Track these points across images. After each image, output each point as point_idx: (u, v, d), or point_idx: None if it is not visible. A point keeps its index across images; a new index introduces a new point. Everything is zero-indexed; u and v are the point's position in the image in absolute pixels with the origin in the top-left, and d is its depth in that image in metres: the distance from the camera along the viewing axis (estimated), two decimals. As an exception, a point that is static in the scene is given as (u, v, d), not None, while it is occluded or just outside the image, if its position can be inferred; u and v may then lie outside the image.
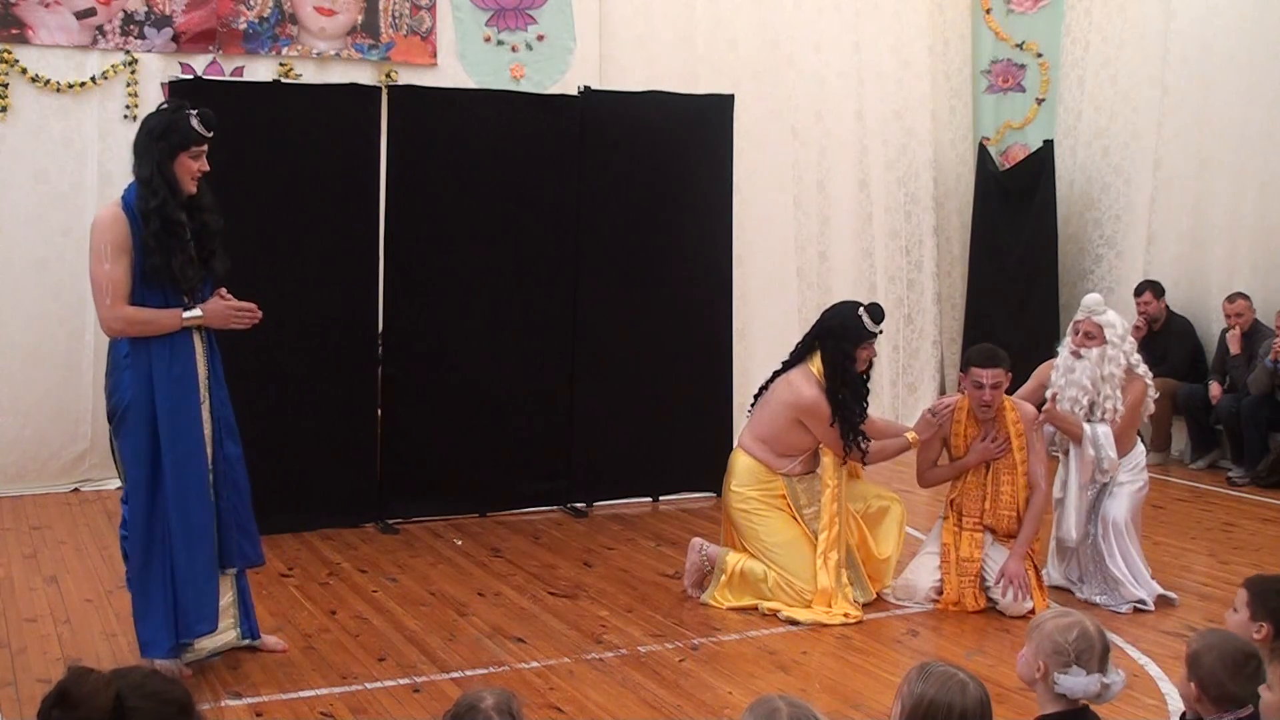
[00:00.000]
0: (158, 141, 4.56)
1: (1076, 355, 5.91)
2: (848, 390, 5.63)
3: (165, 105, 4.66)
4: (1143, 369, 5.94)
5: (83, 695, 2.29)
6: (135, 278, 4.56)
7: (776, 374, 5.87)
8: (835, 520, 5.67)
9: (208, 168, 4.66)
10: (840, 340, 5.64)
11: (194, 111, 4.60)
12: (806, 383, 5.67)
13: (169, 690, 2.41)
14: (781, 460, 5.75)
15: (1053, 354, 6.15)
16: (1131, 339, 5.98)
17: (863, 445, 5.69)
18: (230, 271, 4.82)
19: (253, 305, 4.78)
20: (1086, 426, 5.85)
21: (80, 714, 2.28)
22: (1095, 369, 5.86)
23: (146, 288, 4.58)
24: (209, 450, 4.72)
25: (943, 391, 10.11)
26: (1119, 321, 5.91)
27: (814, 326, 5.85)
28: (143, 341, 4.59)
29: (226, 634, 4.85)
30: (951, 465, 5.90)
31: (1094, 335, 5.88)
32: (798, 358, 5.81)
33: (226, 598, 4.84)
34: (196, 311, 4.66)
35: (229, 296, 4.75)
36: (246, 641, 4.93)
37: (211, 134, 4.63)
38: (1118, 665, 3.21)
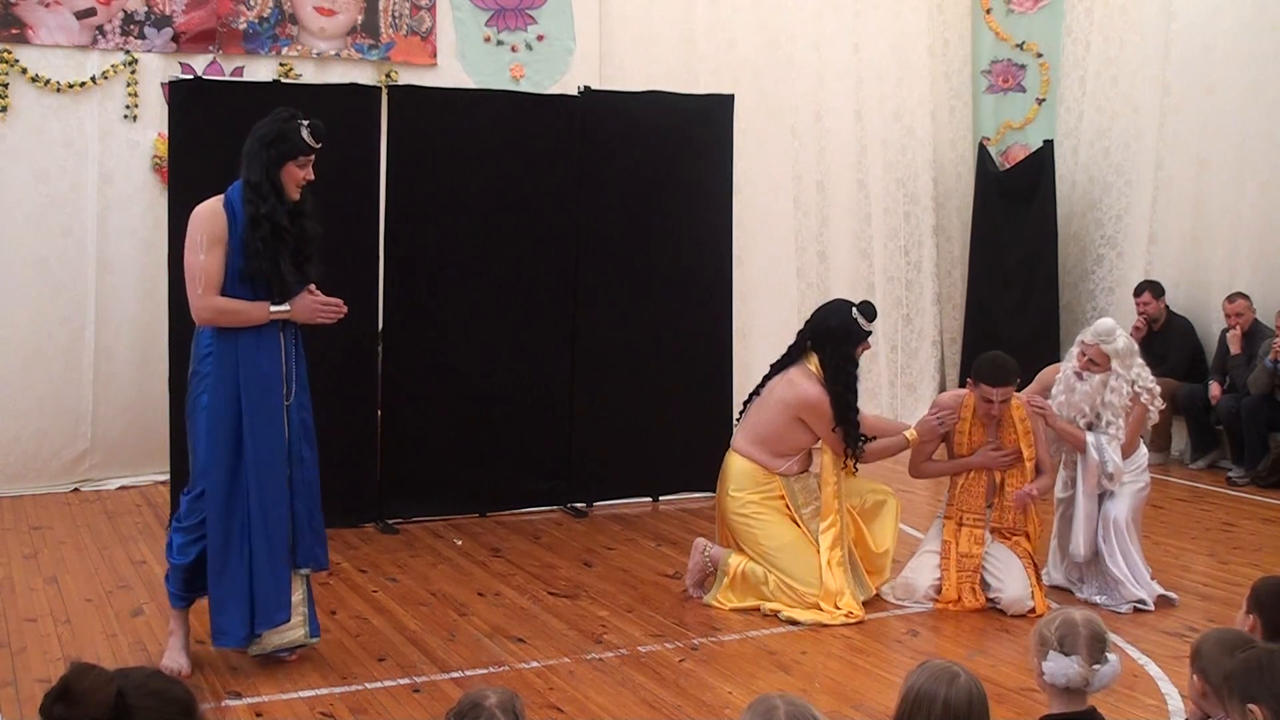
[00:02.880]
0: (268, 148, 4.66)
1: (1079, 376, 5.90)
2: (850, 393, 5.65)
3: (279, 113, 4.75)
4: (1146, 396, 5.87)
5: (84, 691, 2.30)
6: (229, 272, 4.66)
7: (767, 377, 5.87)
8: (838, 519, 5.67)
9: (313, 176, 4.76)
10: (840, 344, 5.65)
11: (305, 122, 4.70)
12: (808, 380, 5.68)
13: (171, 690, 2.42)
14: (778, 460, 5.74)
15: (1055, 356, 6.13)
16: (1141, 361, 5.94)
17: (862, 447, 5.71)
18: (324, 275, 4.89)
19: (339, 300, 4.85)
20: (1089, 435, 5.84)
21: (81, 710, 2.29)
22: (1095, 395, 5.85)
23: (240, 285, 4.67)
24: (286, 448, 4.79)
25: (942, 390, 10.10)
26: (1125, 350, 5.84)
27: (806, 328, 5.84)
28: (230, 335, 4.69)
29: (295, 631, 4.89)
30: (952, 462, 5.90)
31: (1099, 363, 5.85)
32: (791, 359, 5.81)
33: (298, 595, 4.88)
34: (284, 306, 4.74)
35: (317, 292, 4.84)
36: (313, 641, 4.96)
37: (320, 145, 4.73)
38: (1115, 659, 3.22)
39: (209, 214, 4.69)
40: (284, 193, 4.69)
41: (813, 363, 5.72)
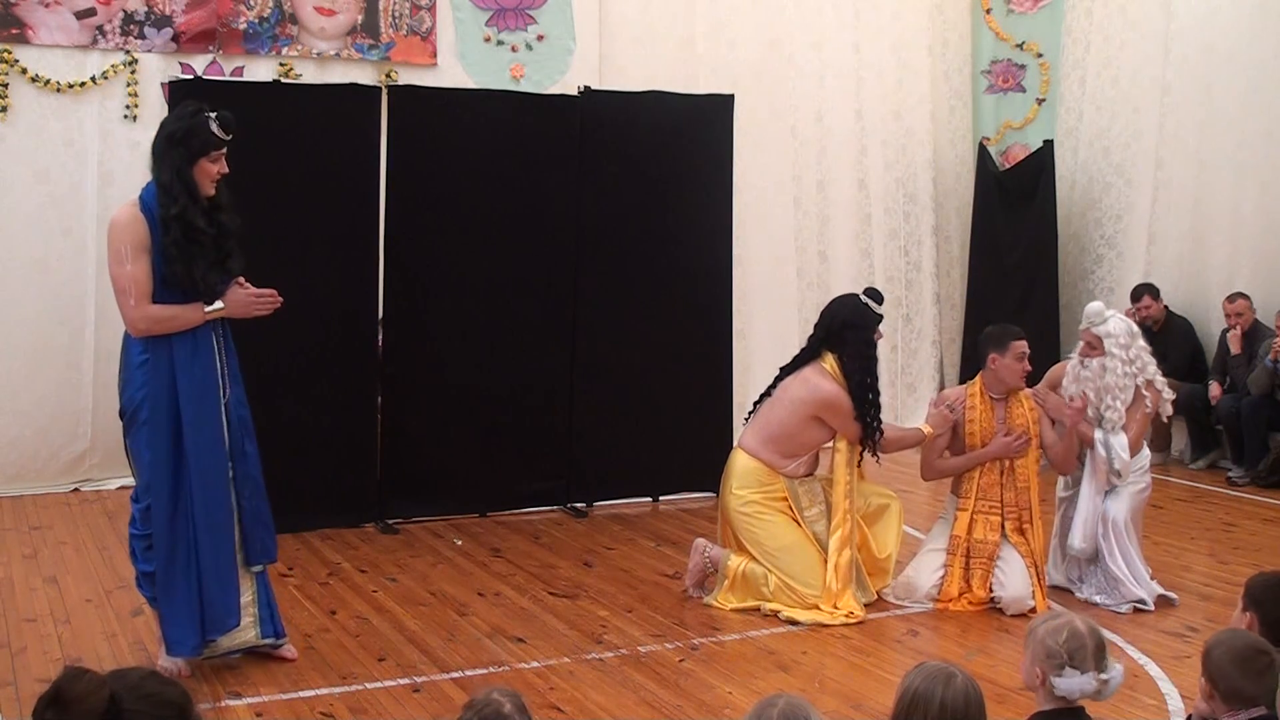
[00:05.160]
0: (177, 146, 4.56)
1: (1082, 364, 5.94)
2: (871, 377, 5.69)
3: (185, 108, 4.66)
4: (1147, 389, 5.86)
5: (76, 696, 2.29)
6: (155, 280, 4.58)
7: (778, 378, 5.87)
8: (848, 518, 5.68)
9: (227, 170, 4.67)
10: (859, 330, 5.69)
11: (213, 114, 4.60)
12: (823, 378, 5.69)
13: (165, 692, 2.41)
14: (785, 461, 5.74)
15: (1055, 356, 6.16)
16: (1141, 344, 5.94)
17: (880, 435, 5.72)
18: (246, 270, 4.82)
19: (272, 291, 4.78)
20: (1098, 432, 5.85)
21: (74, 715, 2.28)
22: (1096, 380, 5.87)
23: (167, 290, 4.60)
24: (227, 447, 4.73)
25: (942, 390, 10.09)
26: (1121, 331, 5.87)
27: (819, 328, 5.84)
28: (162, 340, 4.61)
29: (246, 633, 4.84)
30: (966, 457, 5.88)
31: (1095, 346, 5.88)
32: (805, 359, 5.81)
33: (246, 595, 4.84)
34: (219, 304, 4.67)
35: (247, 285, 4.77)
36: (268, 641, 4.91)
37: (231, 136, 4.63)
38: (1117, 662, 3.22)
39: (128, 222, 4.57)
40: (196, 191, 4.58)
41: (828, 362, 5.72)
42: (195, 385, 4.63)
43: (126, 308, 4.58)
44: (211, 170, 4.61)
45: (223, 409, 4.72)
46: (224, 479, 4.71)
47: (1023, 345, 5.82)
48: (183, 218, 4.53)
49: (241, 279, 4.75)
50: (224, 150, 4.63)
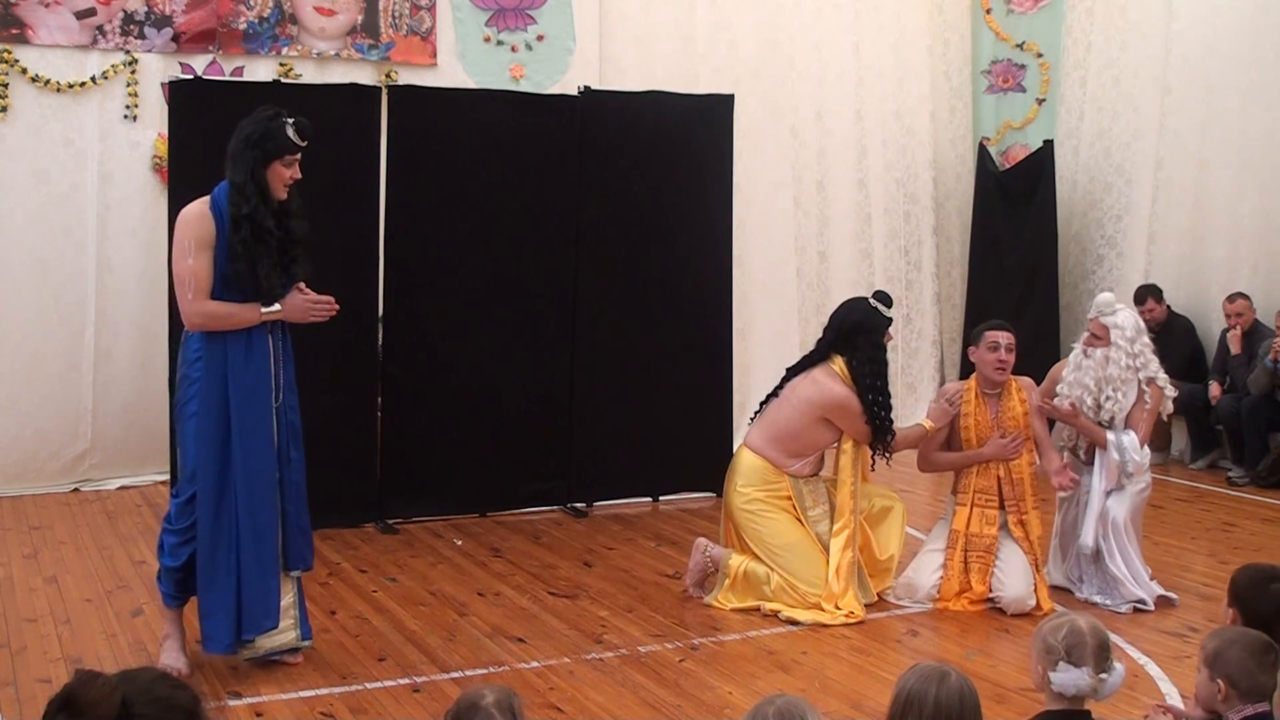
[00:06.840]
0: (253, 148, 4.62)
1: (1085, 354, 5.93)
2: (882, 381, 5.69)
3: (263, 111, 4.71)
4: (1149, 387, 5.87)
5: (89, 700, 2.28)
6: (216, 278, 4.62)
7: (786, 378, 5.86)
8: (852, 519, 5.68)
9: (300, 175, 4.72)
10: (869, 334, 5.70)
11: (290, 120, 4.66)
12: (833, 380, 5.69)
13: (176, 696, 2.41)
14: (790, 460, 5.74)
15: (1055, 356, 6.15)
16: (1146, 340, 5.95)
17: (891, 439, 5.73)
18: (312, 276, 4.85)
19: (330, 298, 4.82)
20: (1110, 433, 5.85)
21: (85, 719, 2.28)
22: (1098, 370, 5.87)
23: (226, 289, 4.63)
24: (275, 451, 4.76)
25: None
26: (1129, 324, 5.88)
27: (829, 331, 5.84)
28: (217, 339, 4.65)
29: (287, 634, 4.86)
30: (963, 454, 5.89)
31: (1100, 336, 5.88)
32: (813, 361, 5.81)
33: (288, 598, 4.85)
34: (275, 306, 4.70)
35: (308, 291, 4.80)
36: (306, 643, 4.95)
37: (306, 143, 4.69)
38: (1119, 664, 3.23)
39: (196, 217, 4.64)
40: (269, 193, 4.64)
41: (837, 364, 5.72)
42: (247, 386, 4.67)
43: (184, 300, 4.64)
44: (285, 174, 4.66)
45: (274, 413, 4.75)
46: (272, 481, 4.74)
47: (995, 336, 5.83)
48: (253, 218, 4.59)
49: (302, 284, 4.80)
50: (298, 156, 4.69)
